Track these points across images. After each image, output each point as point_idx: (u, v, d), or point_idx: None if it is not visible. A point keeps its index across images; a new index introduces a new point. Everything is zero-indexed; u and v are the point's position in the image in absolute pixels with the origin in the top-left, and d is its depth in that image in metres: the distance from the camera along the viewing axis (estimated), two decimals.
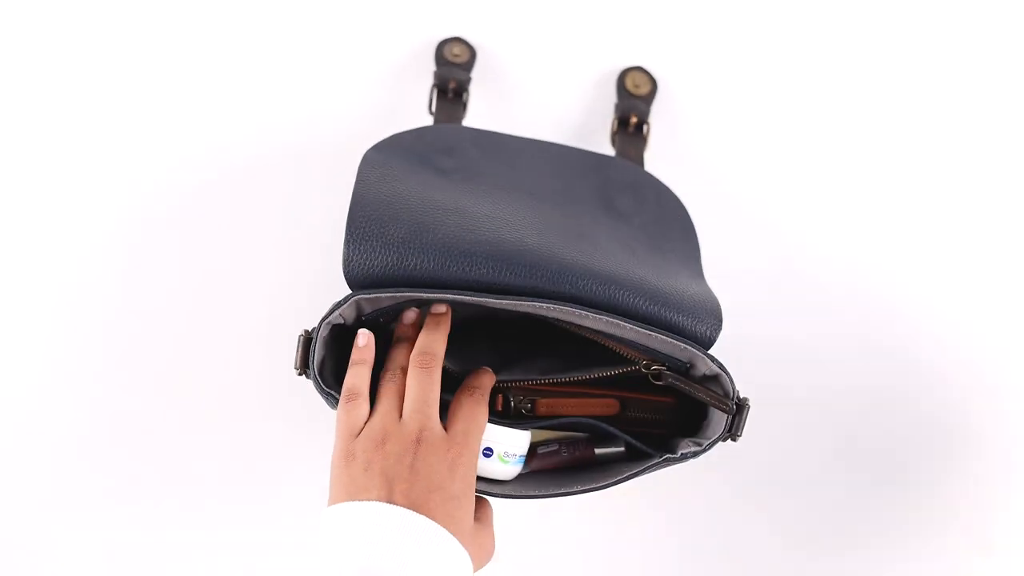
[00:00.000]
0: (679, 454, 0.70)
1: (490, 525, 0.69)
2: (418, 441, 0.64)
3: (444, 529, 0.63)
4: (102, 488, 0.88)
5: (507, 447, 0.69)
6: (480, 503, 0.69)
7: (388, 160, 0.77)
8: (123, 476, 0.88)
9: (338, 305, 0.67)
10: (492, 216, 0.72)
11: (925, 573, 0.93)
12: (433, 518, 0.63)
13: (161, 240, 0.88)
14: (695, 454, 0.70)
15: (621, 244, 0.76)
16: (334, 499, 0.64)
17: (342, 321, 0.68)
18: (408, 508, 0.62)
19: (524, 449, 0.70)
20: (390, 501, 0.63)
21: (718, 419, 0.70)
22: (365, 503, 0.63)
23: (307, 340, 0.67)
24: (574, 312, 0.67)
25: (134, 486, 0.88)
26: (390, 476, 0.63)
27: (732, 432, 0.69)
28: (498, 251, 0.68)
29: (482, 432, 0.67)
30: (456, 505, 0.64)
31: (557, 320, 0.69)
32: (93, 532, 0.88)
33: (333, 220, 0.77)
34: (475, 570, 0.66)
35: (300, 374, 0.68)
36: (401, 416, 0.66)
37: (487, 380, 0.69)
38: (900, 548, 0.92)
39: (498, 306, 0.67)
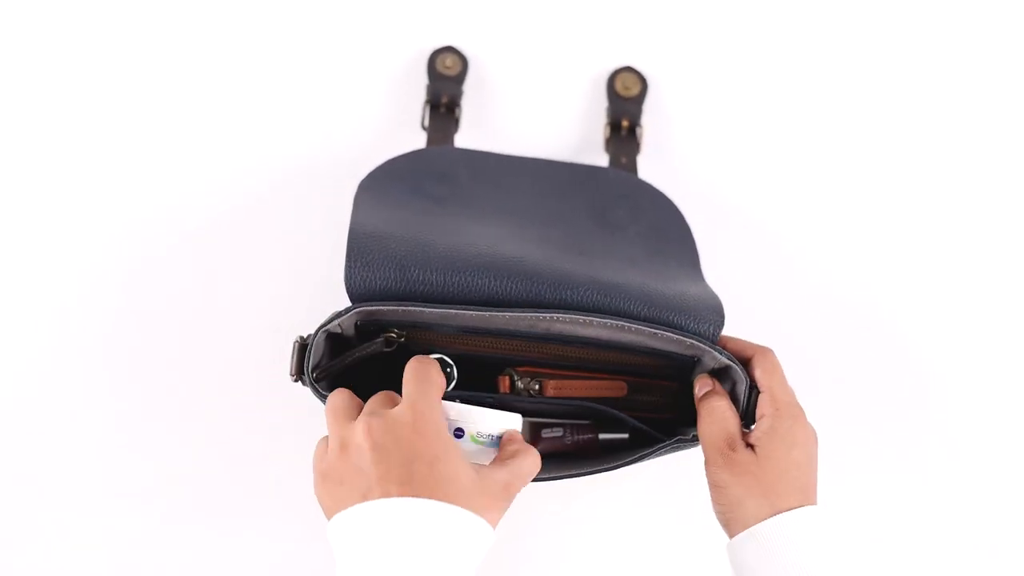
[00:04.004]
0: (691, 436, 0.70)
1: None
2: (369, 427, 0.60)
3: (430, 501, 0.57)
4: (105, 489, 0.88)
5: (480, 427, 0.65)
6: None
7: (382, 190, 0.78)
8: (126, 478, 0.88)
9: (338, 315, 0.67)
10: (489, 236, 0.73)
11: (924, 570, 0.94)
12: (422, 492, 0.57)
13: (163, 255, 0.88)
14: None
15: (619, 256, 0.77)
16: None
17: (340, 331, 0.68)
18: (385, 497, 0.57)
19: (497, 431, 0.66)
20: (366, 498, 0.58)
21: None
22: (344, 513, 0.58)
23: (302, 346, 0.67)
24: (578, 319, 0.67)
25: (136, 487, 0.88)
26: (364, 472, 0.59)
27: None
28: (499, 263, 0.69)
29: (432, 382, 0.63)
30: (442, 464, 0.58)
31: (562, 334, 0.69)
32: (94, 532, 0.89)
33: (332, 233, 0.78)
34: (499, 509, 0.61)
35: (296, 380, 0.67)
36: None
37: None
38: (901, 547, 0.92)
39: (500, 323, 0.68)
